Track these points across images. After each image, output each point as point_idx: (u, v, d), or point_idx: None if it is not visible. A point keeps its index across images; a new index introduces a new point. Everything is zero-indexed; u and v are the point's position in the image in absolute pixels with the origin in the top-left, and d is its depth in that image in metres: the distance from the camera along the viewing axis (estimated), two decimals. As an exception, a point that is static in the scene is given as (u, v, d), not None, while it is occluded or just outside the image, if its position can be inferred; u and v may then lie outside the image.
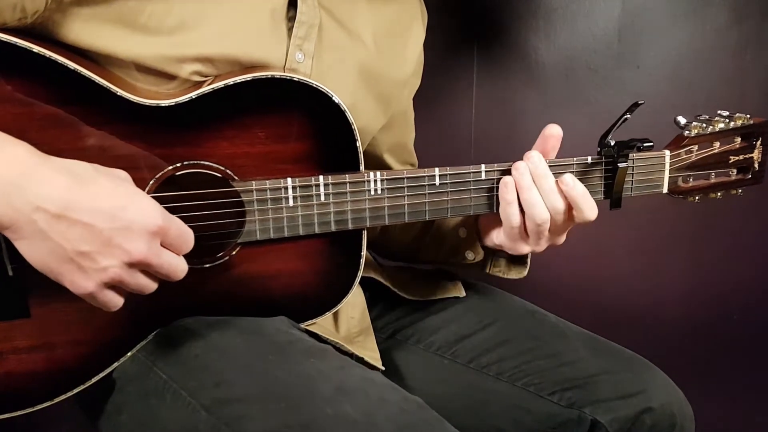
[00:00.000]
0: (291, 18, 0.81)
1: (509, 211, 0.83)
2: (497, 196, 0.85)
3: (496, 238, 0.90)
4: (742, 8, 1.62)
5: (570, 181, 0.82)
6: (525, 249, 0.87)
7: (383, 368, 0.89)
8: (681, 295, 1.87)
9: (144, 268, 0.65)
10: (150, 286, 0.67)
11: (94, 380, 0.76)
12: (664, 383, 0.93)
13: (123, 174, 0.68)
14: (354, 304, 0.96)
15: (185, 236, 0.67)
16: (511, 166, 0.84)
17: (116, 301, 0.66)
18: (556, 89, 1.67)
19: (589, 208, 0.83)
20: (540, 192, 0.82)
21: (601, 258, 1.81)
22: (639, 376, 0.92)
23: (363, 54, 0.89)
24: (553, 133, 0.85)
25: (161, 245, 0.65)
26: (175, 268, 0.67)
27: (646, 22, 1.63)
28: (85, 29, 0.71)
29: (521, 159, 0.85)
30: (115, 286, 0.64)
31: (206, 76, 0.77)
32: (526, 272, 0.97)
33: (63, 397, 0.75)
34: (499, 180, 0.84)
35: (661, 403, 0.90)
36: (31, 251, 0.61)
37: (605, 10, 1.62)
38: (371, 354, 0.91)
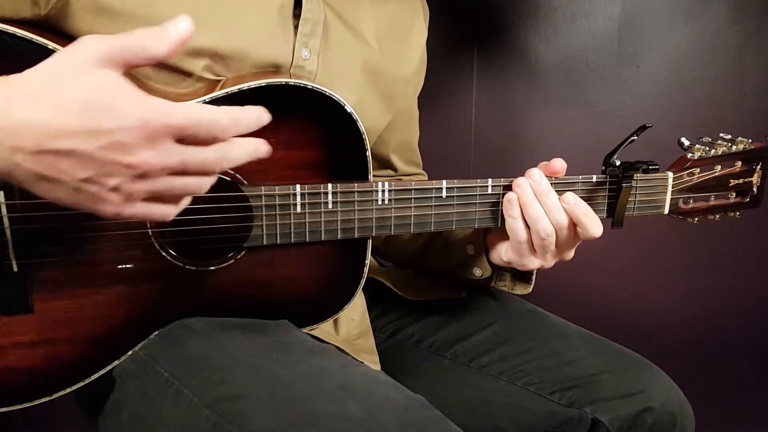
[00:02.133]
0: (297, 15, 0.82)
1: (515, 227, 0.83)
2: (502, 210, 0.85)
3: (505, 254, 0.89)
4: (742, 8, 1.62)
5: (572, 199, 0.82)
6: (533, 264, 0.86)
7: (381, 371, 0.89)
8: (681, 295, 1.87)
9: (166, 172, 0.56)
10: (186, 184, 0.58)
11: (93, 377, 0.76)
12: (665, 383, 0.93)
13: (89, 47, 0.54)
14: (354, 306, 0.96)
15: (202, 119, 0.56)
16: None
17: (167, 210, 0.58)
18: (556, 89, 1.67)
19: (593, 226, 0.83)
20: (543, 207, 0.82)
21: (601, 259, 1.81)
22: (639, 375, 0.92)
23: (367, 51, 0.90)
24: (556, 168, 0.85)
25: (180, 142, 0.56)
26: (204, 158, 0.57)
27: (646, 22, 1.62)
28: (98, 22, 0.72)
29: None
30: (146, 197, 0.57)
31: (218, 74, 0.77)
32: (531, 288, 0.97)
33: (62, 392, 0.75)
34: (505, 194, 0.84)
35: (661, 403, 0.90)
36: (41, 192, 0.56)
37: (605, 10, 1.62)
38: (370, 357, 0.91)
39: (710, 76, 1.66)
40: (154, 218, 0.59)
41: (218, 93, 0.73)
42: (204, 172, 0.58)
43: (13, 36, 0.65)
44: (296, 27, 0.82)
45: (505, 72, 1.67)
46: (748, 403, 1.75)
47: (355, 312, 0.96)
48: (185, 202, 0.60)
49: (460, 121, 1.70)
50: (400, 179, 1.07)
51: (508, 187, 0.84)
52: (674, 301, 1.87)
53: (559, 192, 0.83)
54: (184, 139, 0.55)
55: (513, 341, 0.97)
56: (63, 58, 0.54)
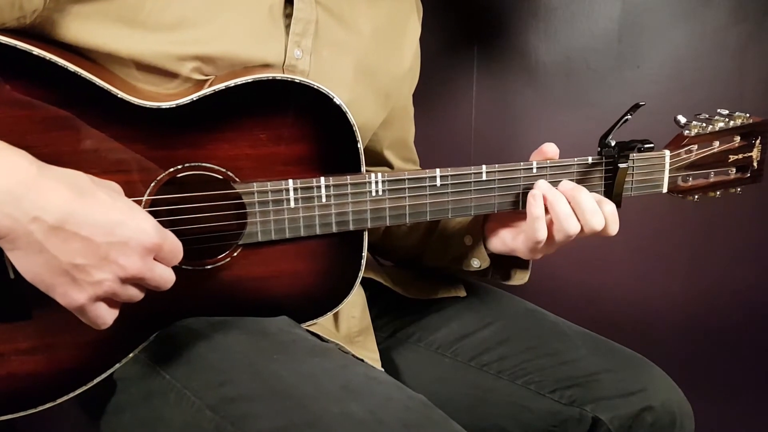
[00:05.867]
0: (288, 15, 0.82)
1: (536, 226, 0.82)
2: (499, 196, 0.85)
3: (512, 242, 0.89)
4: (742, 8, 1.62)
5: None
6: (539, 256, 0.87)
7: (382, 369, 0.90)
8: (681, 295, 1.87)
9: (136, 282, 0.65)
10: (139, 296, 0.67)
11: (96, 381, 0.76)
12: (665, 382, 0.93)
13: (117, 187, 0.68)
14: (354, 303, 0.96)
15: (176, 251, 0.68)
16: (510, 167, 0.85)
17: (106, 317, 0.65)
18: (556, 89, 1.67)
19: (616, 226, 0.84)
20: (576, 210, 0.82)
21: (601, 258, 1.81)
22: (639, 374, 0.92)
23: (361, 49, 0.90)
24: (548, 153, 0.86)
25: (154, 258, 0.66)
26: (165, 280, 0.67)
27: (646, 22, 1.62)
28: (84, 27, 0.71)
29: (521, 160, 0.85)
30: (106, 299, 0.64)
31: (206, 75, 0.77)
32: (527, 278, 0.97)
33: (65, 398, 0.75)
34: (500, 180, 0.84)
35: (661, 402, 0.90)
36: (25, 262, 0.60)
37: (605, 10, 1.62)
38: (371, 355, 0.91)
39: (710, 76, 1.66)
40: (101, 321, 0.65)
41: (206, 90, 0.73)
42: (156, 288, 0.67)
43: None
44: (287, 27, 0.82)
45: (505, 72, 1.67)
46: (748, 403, 1.76)
47: (356, 309, 0.96)
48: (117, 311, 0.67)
49: (459, 121, 1.70)
50: None
51: (503, 174, 0.84)
52: (674, 301, 1.87)
53: (557, 176, 0.83)
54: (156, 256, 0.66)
55: (513, 340, 0.97)
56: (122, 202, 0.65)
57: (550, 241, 0.84)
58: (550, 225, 0.83)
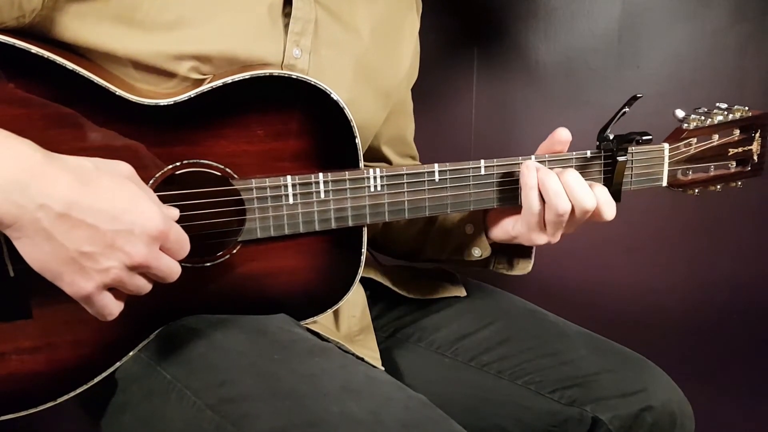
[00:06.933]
0: (287, 14, 0.82)
1: (530, 196, 0.83)
2: (497, 191, 0.85)
3: (513, 228, 0.89)
4: (742, 8, 1.63)
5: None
6: (541, 240, 0.86)
7: (383, 368, 0.90)
8: (681, 295, 1.87)
9: (143, 270, 0.65)
10: (146, 287, 0.67)
11: (96, 380, 0.76)
12: (665, 382, 0.93)
13: (126, 169, 0.67)
14: (355, 302, 0.96)
15: (183, 241, 0.68)
16: (509, 161, 0.85)
17: (112, 307, 0.65)
18: (556, 89, 1.67)
19: (610, 210, 0.84)
20: (565, 188, 0.82)
21: (600, 258, 1.81)
22: (639, 374, 0.92)
23: (360, 48, 0.90)
24: (562, 139, 0.86)
25: (160, 248, 0.66)
26: (171, 270, 0.67)
27: (646, 22, 1.63)
28: (82, 27, 0.72)
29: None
30: (113, 289, 0.64)
31: (204, 74, 0.77)
32: (530, 267, 0.97)
33: (65, 397, 0.75)
34: (499, 175, 0.84)
35: (661, 402, 0.90)
36: (32, 251, 0.60)
37: (605, 10, 1.62)
38: (371, 354, 0.91)
39: (710, 76, 1.66)
40: (107, 312, 0.65)
41: (204, 88, 0.73)
42: (162, 279, 0.67)
43: None
44: (286, 26, 0.82)
45: (505, 72, 1.68)
46: (749, 403, 1.76)
47: (356, 308, 0.96)
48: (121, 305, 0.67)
49: (459, 120, 1.71)
50: None
51: (501, 168, 0.84)
52: (674, 301, 1.87)
53: (555, 168, 0.83)
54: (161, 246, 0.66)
55: (513, 340, 0.96)
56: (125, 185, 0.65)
57: (543, 222, 0.84)
58: (542, 205, 0.83)
